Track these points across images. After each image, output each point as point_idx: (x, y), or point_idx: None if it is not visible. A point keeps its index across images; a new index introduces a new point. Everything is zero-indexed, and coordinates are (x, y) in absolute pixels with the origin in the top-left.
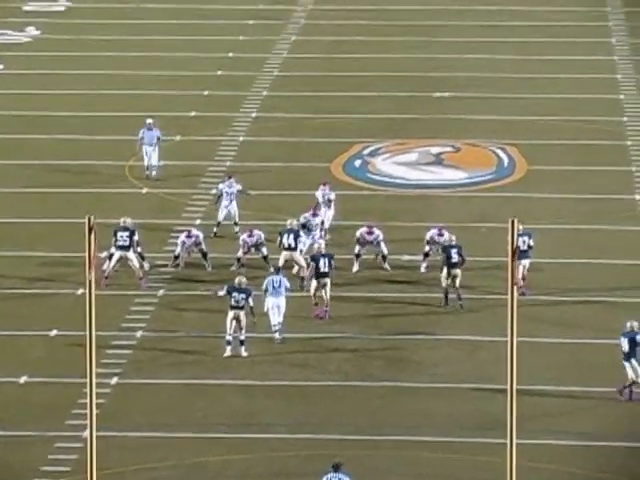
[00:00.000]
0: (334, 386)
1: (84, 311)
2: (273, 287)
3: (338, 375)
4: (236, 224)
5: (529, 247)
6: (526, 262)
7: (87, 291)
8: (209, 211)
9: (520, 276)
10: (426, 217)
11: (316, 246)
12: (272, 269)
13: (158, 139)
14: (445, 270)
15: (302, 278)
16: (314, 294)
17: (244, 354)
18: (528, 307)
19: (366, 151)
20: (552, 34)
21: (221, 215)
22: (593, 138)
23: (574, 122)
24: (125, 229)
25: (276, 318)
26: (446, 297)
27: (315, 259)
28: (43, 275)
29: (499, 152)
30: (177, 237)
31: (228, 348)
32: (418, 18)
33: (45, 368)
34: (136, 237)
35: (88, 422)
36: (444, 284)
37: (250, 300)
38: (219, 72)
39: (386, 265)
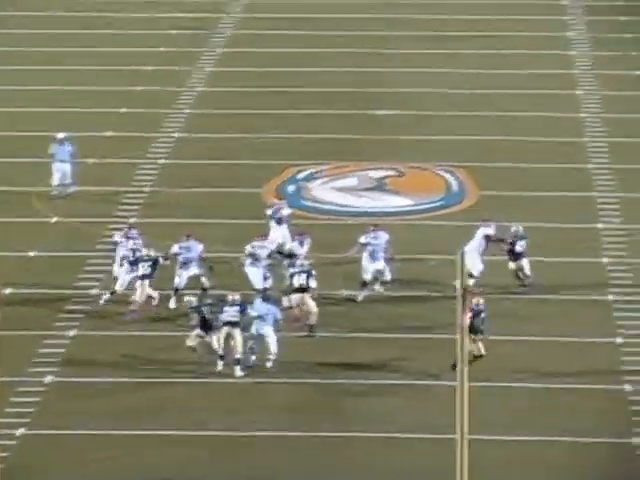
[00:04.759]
0: (271, 436)
1: None
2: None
3: (276, 424)
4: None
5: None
6: (525, 261)
7: None
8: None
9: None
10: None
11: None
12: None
13: (71, 155)
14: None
15: (311, 326)
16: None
17: (239, 374)
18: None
19: (301, 175)
20: (506, 45)
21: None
22: (551, 161)
23: (530, 143)
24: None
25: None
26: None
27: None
28: None
29: (448, 176)
30: (92, 271)
31: (220, 363)
32: (360, 28)
33: None
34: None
35: None
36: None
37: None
38: (138, 87)
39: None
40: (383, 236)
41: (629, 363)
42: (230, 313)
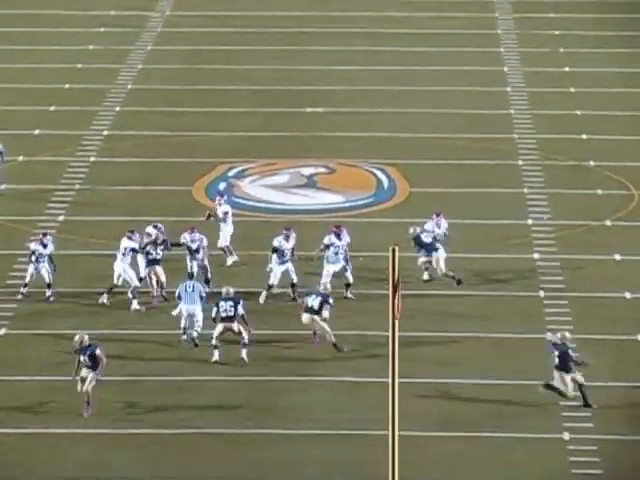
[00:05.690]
0: (194, 434)
1: None
2: (186, 292)
3: (199, 421)
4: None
5: (434, 239)
6: (438, 254)
7: None
8: (55, 240)
9: (441, 268)
10: (298, 245)
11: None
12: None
13: (0, 154)
14: (304, 315)
15: (335, 344)
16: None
17: (244, 357)
18: (407, 344)
19: (231, 172)
20: (436, 43)
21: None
22: (481, 157)
23: (460, 139)
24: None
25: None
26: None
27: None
28: None
29: (378, 173)
30: (21, 269)
31: (215, 352)
32: (288, 25)
33: None
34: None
35: None
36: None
37: (240, 308)
38: (67, 85)
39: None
40: (345, 237)
41: None
42: (225, 308)
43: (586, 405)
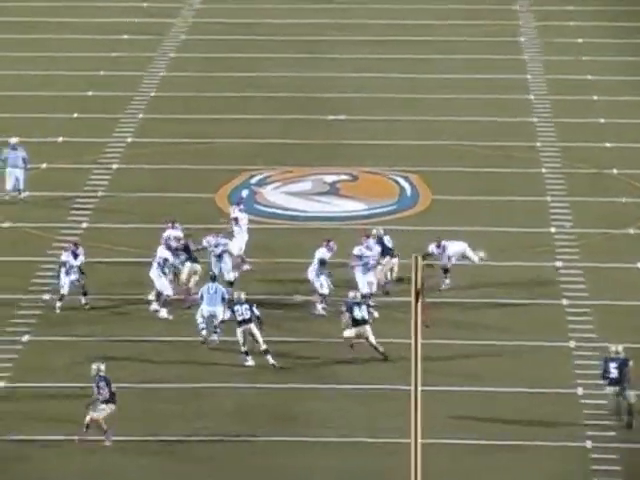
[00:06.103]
0: (212, 441)
1: None
2: (208, 293)
3: (217, 429)
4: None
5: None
6: (393, 261)
7: None
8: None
9: (393, 274)
10: None
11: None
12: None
13: (24, 161)
14: (354, 329)
15: (382, 352)
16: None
17: (272, 362)
18: (428, 353)
19: (254, 180)
20: (458, 50)
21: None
22: (504, 165)
23: (482, 147)
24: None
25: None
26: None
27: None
28: None
29: (401, 181)
30: (44, 276)
31: (249, 358)
32: (309, 33)
33: None
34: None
35: None
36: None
37: (255, 309)
38: (90, 92)
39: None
40: (375, 246)
41: (582, 367)
42: (241, 312)
43: (629, 426)
